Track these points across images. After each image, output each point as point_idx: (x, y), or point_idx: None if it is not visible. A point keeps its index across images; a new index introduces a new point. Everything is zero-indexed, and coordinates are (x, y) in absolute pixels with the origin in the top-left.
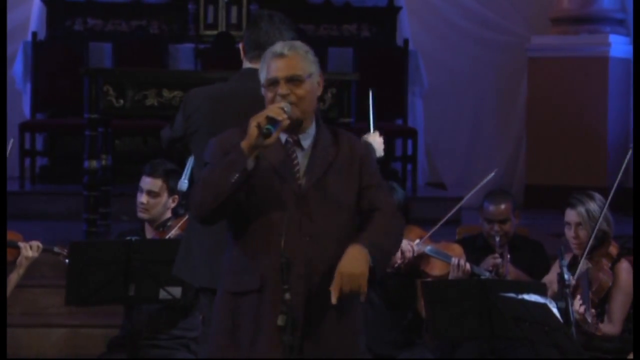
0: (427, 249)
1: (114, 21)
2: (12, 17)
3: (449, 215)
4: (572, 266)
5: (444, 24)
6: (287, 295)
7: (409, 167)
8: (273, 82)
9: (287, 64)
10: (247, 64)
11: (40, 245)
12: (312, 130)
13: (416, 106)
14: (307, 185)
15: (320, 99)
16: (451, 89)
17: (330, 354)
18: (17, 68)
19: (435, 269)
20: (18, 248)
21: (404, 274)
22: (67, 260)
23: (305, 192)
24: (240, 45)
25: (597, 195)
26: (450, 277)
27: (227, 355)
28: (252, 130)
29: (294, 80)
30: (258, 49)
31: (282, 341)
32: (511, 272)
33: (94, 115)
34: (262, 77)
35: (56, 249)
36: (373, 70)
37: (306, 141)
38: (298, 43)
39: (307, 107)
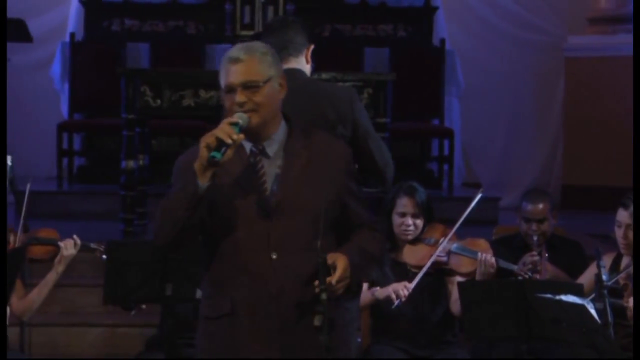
0: (453, 247)
1: (151, 21)
2: (51, 18)
3: (461, 220)
4: (616, 266)
5: (481, 24)
6: (324, 296)
7: (445, 167)
8: (230, 89)
9: (243, 69)
10: (304, 66)
11: (79, 241)
12: (278, 135)
13: (453, 106)
14: (274, 197)
15: None
16: (488, 89)
17: None
18: (55, 68)
19: (463, 266)
20: (57, 246)
21: (431, 273)
22: (104, 256)
23: (273, 205)
24: None
25: None
26: (477, 273)
27: None
28: (202, 151)
29: (250, 87)
30: (284, 49)
31: (318, 341)
32: (549, 270)
33: (131, 116)
34: (221, 83)
35: (93, 245)
36: (409, 70)
37: (272, 148)
38: (256, 44)
39: (267, 113)
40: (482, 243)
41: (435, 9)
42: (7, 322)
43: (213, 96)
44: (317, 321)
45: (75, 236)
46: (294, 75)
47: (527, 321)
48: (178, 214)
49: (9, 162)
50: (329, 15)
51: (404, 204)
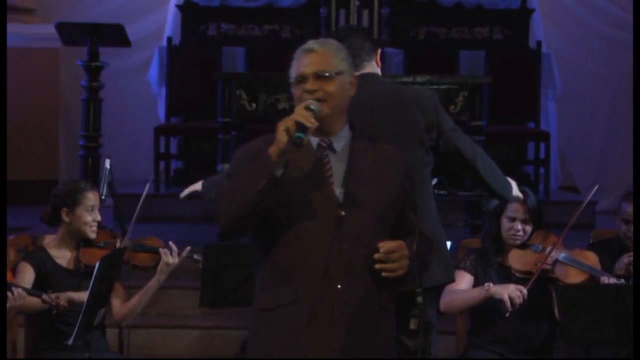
0: (561, 256)
1: (246, 26)
2: (148, 23)
3: (569, 226)
4: None
5: (578, 25)
6: (420, 299)
7: (541, 170)
8: (302, 79)
9: (316, 60)
10: (377, 69)
11: (184, 253)
12: (344, 132)
13: (549, 109)
14: (342, 191)
15: (452, 102)
16: (585, 92)
17: None
18: (152, 73)
19: (570, 276)
20: (158, 254)
21: (537, 282)
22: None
23: (341, 199)
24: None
25: None
26: None
27: None
28: (281, 135)
29: (322, 77)
30: (358, 56)
31: (415, 344)
32: None
33: (227, 119)
34: (292, 74)
35: (196, 257)
36: (505, 73)
37: (339, 144)
38: (331, 40)
39: (336, 105)
40: (591, 256)
41: (532, 10)
42: (107, 324)
43: None
44: (412, 324)
45: (188, 248)
46: (374, 78)
47: (627, 326)
48: (249, 197)
49: (107, 165)
50: (424, 18)
51: (514, 208)
